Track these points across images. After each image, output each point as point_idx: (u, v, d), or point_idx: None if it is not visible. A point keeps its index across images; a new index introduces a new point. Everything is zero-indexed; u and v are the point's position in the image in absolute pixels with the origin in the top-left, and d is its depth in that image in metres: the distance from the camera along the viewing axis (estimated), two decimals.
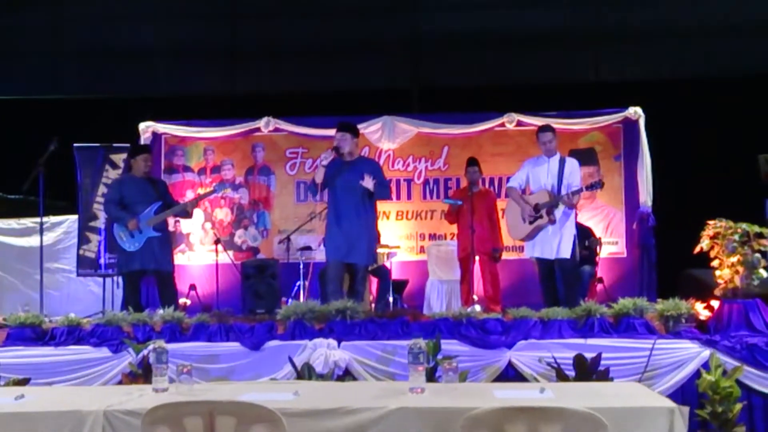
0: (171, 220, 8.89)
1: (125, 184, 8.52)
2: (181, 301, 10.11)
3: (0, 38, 11.46)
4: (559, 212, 7.70)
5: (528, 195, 7.99)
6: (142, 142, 11.02)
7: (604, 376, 5.90)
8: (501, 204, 9.88)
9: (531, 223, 7.79)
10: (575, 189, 7.67)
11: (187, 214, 8.79)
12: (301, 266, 10.10)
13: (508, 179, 10.17)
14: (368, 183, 7.56)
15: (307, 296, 9.60)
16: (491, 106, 11.10)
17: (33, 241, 10.66)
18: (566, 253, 7.68)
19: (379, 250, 9.69)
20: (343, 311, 6.79)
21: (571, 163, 7.89)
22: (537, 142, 8.07)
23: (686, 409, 3.78)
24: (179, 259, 11.09)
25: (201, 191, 11.11)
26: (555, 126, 8.32)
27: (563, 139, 8.73)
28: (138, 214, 8.15)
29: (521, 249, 10.27)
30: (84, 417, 3.87)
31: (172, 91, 11.65)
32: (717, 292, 6.90)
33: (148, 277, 8.47)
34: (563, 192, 7.66)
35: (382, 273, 9.76)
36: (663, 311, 6.57)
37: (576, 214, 8.35)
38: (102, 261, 10.56)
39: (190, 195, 10.89)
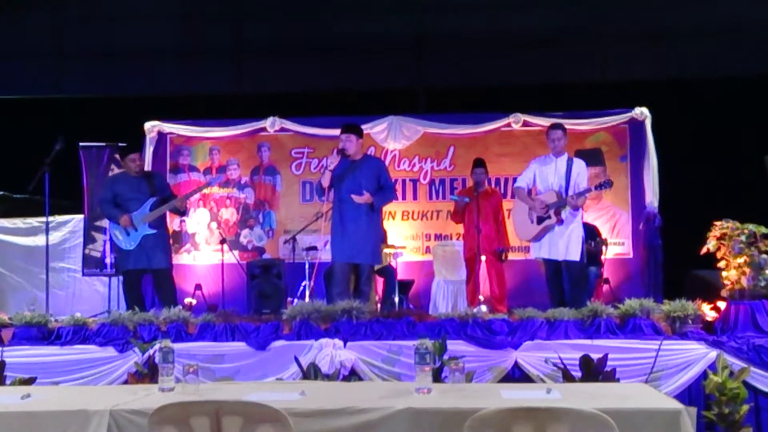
0: (176, 218, 8.79)
1: (117, 182, 8.52)
2: (187, 300, 10.11)
3: (4, 38, 11.46)
4: (565, 213, 7.70)
5: (535, 195, 7.98)
6: (147, 141, 11.02)
7: (611, 376, 5.89)
8: (507, 204, 9.87)
9: (539, 223, 7.78)
10: (581, 191, 7.68)
11: (179, 211, 8.72)
12: (307, 266, 10.09)
13: (514, 179, 10.14)
14: (364, 198, 7.60)
15: (312, 296, 9.59)
16: (497, 106, 11.06)
17: (39, 240, 10.66)
18: (575, 254, 7.68)
19: (385, 251, 9.69)
20: (348, 311, 6.80)
21: (579, 164, 7.90)
22: (546, 140, 8.07)
23: (694, 410, 3.77)
24: (185, 258, 11.11)
25: (206, 191, 11.09)
26: None
27: (569, 139, 8.70)
28: (131, 211, 8.14)
29: (527, 249, 10.24)
30: (90, 416, 3.87)
31: (178, 90, 11.64)
32: (723, 293, 6.90)
33: (147, 275, 8.42)
34: (571, 192, 7.67)
35: (388, 273, 9.75)
36: (669, 312, 6.56)
37: (582, 215, 8.34)
38: (107, 260, 10.57)
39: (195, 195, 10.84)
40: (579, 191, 7.68)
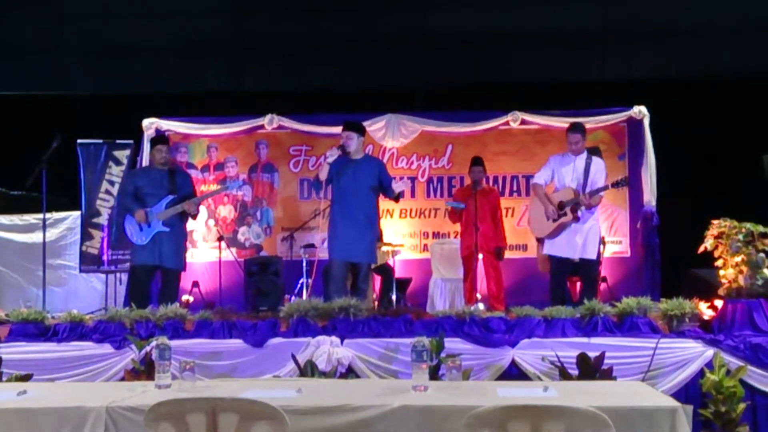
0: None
1: (140, 175, 8.50)
2: (184, 298, 10.10)
3: (3, 34, 11.45)
4: (581, 211, 7.68)
5: (552, 193, 7.95)
6: (145, 138, 10.99)
7: (608, 375, 5.89)
8: (504, 203, 9.86)
9: (555, 221, 7.76)
10: (596, 188, 7.65)
11: (189, 214, 8.27)
12: (305, 264, 10.08)
13: (512, 178, 10.18)
14: (400, 186, 7.65)
15: (310, 294, 9.58)
16: (496, 104, 11.04)
17: (36, 237, 10.65)
18: (592, 253, 7.70)
19: (383, 249, 9.68)
20: (346, 309, 6.78)
21: (597, 163, 7.85)
22: (565, 141, 7.97)
23: (690, 408, 3.77)
24: None
25: (204, 188, 11.10)
26: (559, 125, 8.28)
27: None
28: (149, 206, 8.07)
29: (525, 248, 10.29)
30: (86, 413, 3.87)
31: (176, 87, 11.63)
32: (721, 291, 6.89)
33: (157, 273, 8.32)
34: (587, 191, 7.64)
35: (386, 271, 9.75)
36: (667, 311, 6.55)
37: (598, 213, 8.27)
38: (105, 257, 10.56)
39: None
40: (594, 189, 7.65)
